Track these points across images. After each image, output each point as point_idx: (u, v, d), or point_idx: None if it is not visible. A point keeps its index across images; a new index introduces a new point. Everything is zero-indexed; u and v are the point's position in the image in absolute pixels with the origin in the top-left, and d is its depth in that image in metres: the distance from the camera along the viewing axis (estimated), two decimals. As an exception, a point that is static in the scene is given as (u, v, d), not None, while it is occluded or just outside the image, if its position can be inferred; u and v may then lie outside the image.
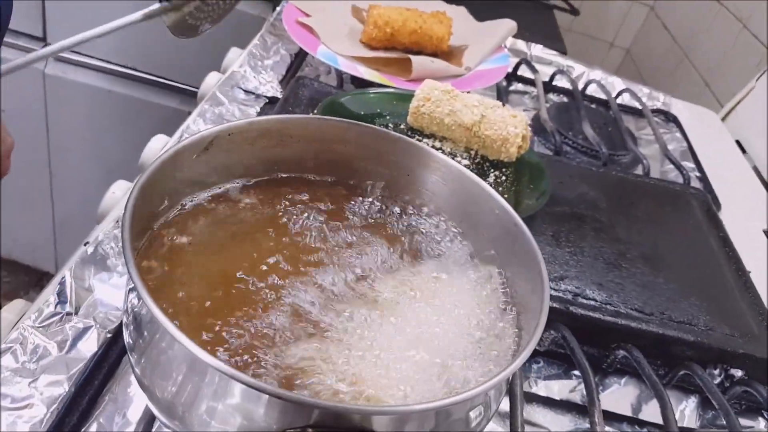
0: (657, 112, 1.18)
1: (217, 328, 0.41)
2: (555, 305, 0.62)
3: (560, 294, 0.64)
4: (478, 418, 0.39)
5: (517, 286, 0.48)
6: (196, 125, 0.81)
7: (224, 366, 0.31)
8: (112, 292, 0.57)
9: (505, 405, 0.57)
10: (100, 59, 1.48)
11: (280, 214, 0.52)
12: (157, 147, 0.82)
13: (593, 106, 1.13)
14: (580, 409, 0.61)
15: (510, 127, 0.76)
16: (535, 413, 0.60)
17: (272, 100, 0.89)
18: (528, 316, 0.45)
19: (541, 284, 0.42)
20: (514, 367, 0.36)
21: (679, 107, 1.22)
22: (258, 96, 0.90)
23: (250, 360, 0.39)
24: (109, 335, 0.53)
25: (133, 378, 0.52)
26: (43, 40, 1.47)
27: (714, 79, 1.44)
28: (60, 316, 0.54)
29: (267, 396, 0.32)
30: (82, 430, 0.48)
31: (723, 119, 1.26)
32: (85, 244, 0.60)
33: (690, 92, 1.45)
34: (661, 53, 1.70)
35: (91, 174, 1.64)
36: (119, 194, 0.74)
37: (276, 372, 0.39)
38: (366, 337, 0.43)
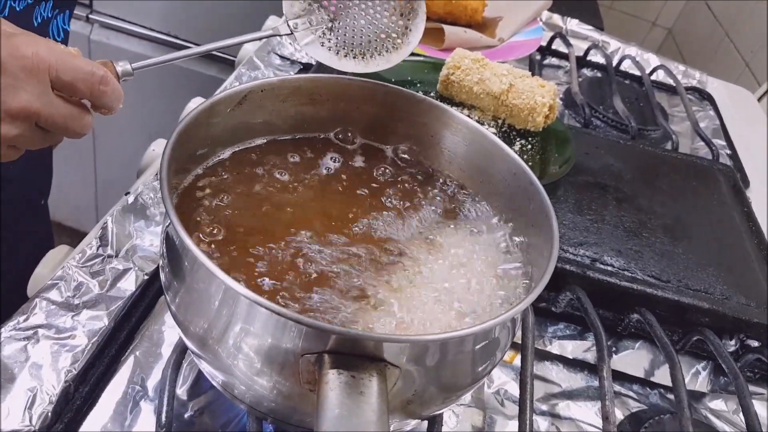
0: (692, 89, 1.17)
1: (246, 266, 0.44)
2: (572, 269, 0.64)
3: (578, 258, 0.65)
4: (485, 358, 0.41)
5: (531, 242, 0.50)
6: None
7: (245, 290, 0.34)
8: (150, 239, 0.61)
9: (518, 362, 0.59)
10: (143, 26, 1.52)
11: (310, 168, 0.54)
12: (195, 108, 0.85)
13: (626, 81, 1.13)
14: (593, 369, 0.63)
15: (538, 96, 0.77)
16: (548, 370, 0.62)
17: (306, 67, 0.92)
18: (540, 270, 0.47)
19: (551, 237, 0.44)
20: (518, 309, 0.38)
21: (715, 85, 1.21)
22: (293, 62, 0.92)
23: (278, 296, 0.42)
24: (146, 277, 0.57)
25: (166, 317, 0.55)
26: (89, 6, 1.52)
27: (755, 59, 1.42)
28: (102, 257, 0.58)
29: (287, 322, 0.35)
30: (120, 360, 0.51)
31: (759, 99, 1.24)
32: (126, 194, 0.64)
33: (730, 73, 1.43)
34: (703, 33, 1.67)
35: (132, 139, 1.69)
36: (159, 151, 0.78)
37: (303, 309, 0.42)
38: (389, 285, 0.46)
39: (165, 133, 0.74)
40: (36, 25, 0.65)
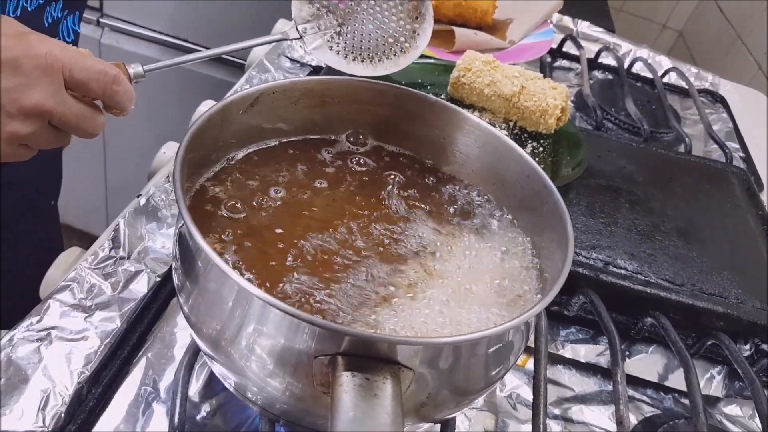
0: (704, 92, 1.17)
1: (259, 267, 0.44)
2: (585, 272, 0.63)
3: (591, 262, 0.65)
4: (498, 361, 0.41)
5: (544, 245, 0.49)
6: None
7: (258, 290, 0.34)
8: (162, 240, 0.61)
9: (530, 366, 0.59)
10: (153, 30, 1.53)
11: (322, 170, 0.54)
12: (206, 111, 0.85)
13: (638, 84, 1.12)
14: (606, 373, 0.62)
15: (549, 98, 0.77)
16: (561, 374, 0.62)
17: (316, 69, 0.92)
18: (553, 273, 0.47)
19: (566, 240, 0.44)
20: (532, 312, 0.38)
21: (727, 88, 1.20)
22: (303, 65, 0.92)
23: (291, 297, 0.42)
24: (158, 279, 0.57)
25: (178, 319, 0.55)
26: (99, 10, 1.53)
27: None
28: (114, 259, 0.58)
29: (300, 323, 0.35)
30: (133, 361, 0.51)
31: (773, 101, 1.23)
32: (138, 196, 0.64)
33: (743, 75, 1.42)
34: (714, 35, 1.66)
35: (142, 142, 1.70)
36: (170, 154, 0.78)
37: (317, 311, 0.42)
38: (402, 287, 0.46)
39: (175, 136, 0.74)
40: (47, 25, 0.65)
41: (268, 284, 0.43)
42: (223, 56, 1.64)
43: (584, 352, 0.62)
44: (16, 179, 0.79)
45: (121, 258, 0.58)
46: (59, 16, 0.67)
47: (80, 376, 0.49)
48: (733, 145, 1.02)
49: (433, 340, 0.37)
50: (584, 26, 1.24)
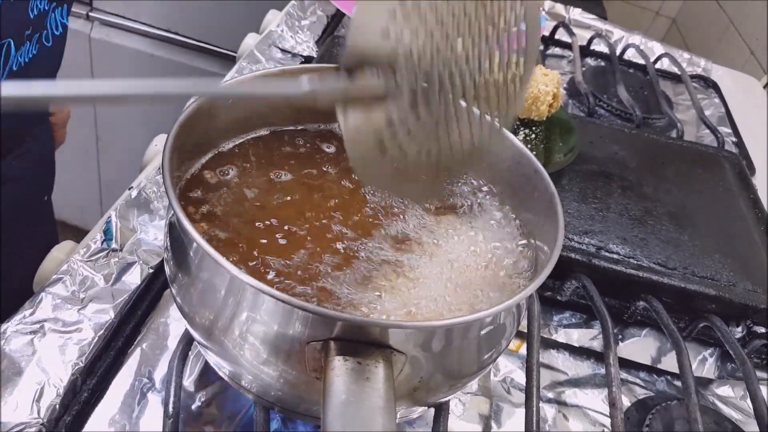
0: (696, 77, 1.17)
1: (249, 256, 0.44)
2: (578, 257, 0.63)
3: (584, 247, 0.65)
4: (490, 344, 0.41)
5: (536, 230, 0.49)
6: (235, 82, 0.83)
7: (250, 278, 0.34)
8: (154, 232, 0.61)
9: (524, 350, 0.59)
10: (143, 23, 1.52)
11: (312, 158, 0.54)
12: (198, 103, 0.85)
13: (630, 70, 1.12)
14: (599, 357, 0.62)
15: (541, 85, 0.77)
16: (554, 358, 0.62)
17: (308, 59, 0.91)
18: (545, 258, 0.47)
19: (556, 224, 0.44)
20: (523, 294, 0.38)
21: (719, 73, 1.20)
22: (294, 55, 0.92)
23: (283, 284, 0.42)
24: (151, 270, 0.57)
25: (171, 310, 0.55)
26: (89, 4, 1.52)
27: (759, 47, 1.41)
28: (106, 252, 0.58)
29: (292, 309, 0.35)
30: (127, 352, 0.51)
31: (765, 86, 1.24)
32: (129, 188, 0.64)
33: (735, 61, 1.42)
34: (707, 22, 1.66)
35: (135, 138, 1.69)
36: (161, 146, 0.77)
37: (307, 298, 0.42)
38: (393, 272, 0.46)
39: (167, 129, 0.74)
40: (32, 17, 0.65)
41: (260, 271, 0.43)
42: (214, 48, 1.63)
43: (577, 337, 0.63)
44: (11, 176, 0.78)
45: (114, 250, 0.58)
46: (46, 8, 0.66)
47: (74, 367, 0.49)
48: (725, 129, 1.02)
49: (425, 323, 0.37)
50: (576, 13, 1.24)
